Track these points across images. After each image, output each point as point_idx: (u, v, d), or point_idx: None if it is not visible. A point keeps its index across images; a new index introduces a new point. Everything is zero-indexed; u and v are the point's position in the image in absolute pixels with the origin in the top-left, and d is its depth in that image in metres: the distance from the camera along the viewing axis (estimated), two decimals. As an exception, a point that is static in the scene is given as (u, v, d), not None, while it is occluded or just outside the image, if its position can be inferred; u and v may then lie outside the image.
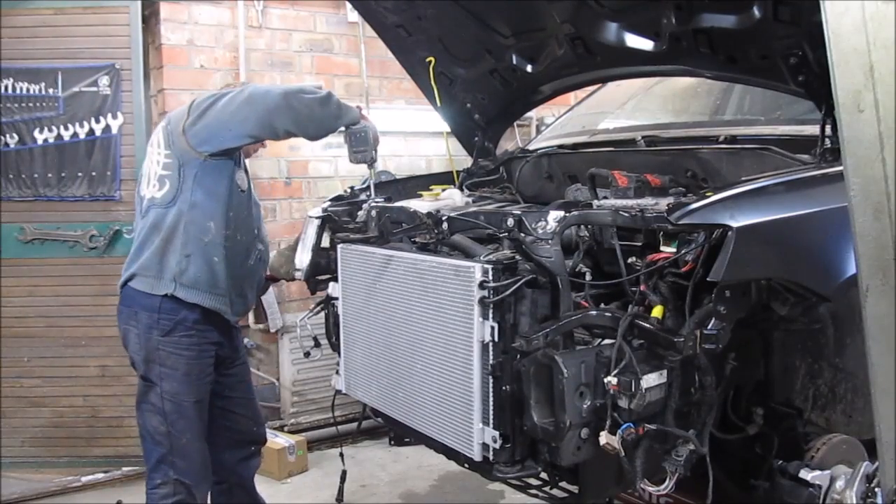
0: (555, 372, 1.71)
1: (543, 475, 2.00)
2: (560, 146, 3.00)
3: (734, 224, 1.64)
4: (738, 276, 1.67)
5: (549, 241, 1.85)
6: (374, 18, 2.84)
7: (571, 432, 1.73)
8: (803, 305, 1.83)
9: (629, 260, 1.85)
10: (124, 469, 3.87)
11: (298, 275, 2.65)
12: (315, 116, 2.45)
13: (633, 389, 1.67)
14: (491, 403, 1.85)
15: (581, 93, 3.47)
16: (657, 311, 1.74)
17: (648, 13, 2.29)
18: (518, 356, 1.81)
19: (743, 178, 1.99)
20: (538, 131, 4.38)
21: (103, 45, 3.80)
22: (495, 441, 1.84)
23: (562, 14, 2.45)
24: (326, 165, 4.53)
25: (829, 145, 2.05)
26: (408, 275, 2.11)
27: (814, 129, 2.14)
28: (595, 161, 2.47)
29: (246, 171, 2.70)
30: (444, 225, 2.18)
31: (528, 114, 3.69)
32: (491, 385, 1.85)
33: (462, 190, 2.94)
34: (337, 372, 2.54)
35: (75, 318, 3.86)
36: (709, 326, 1.67)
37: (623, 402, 1.69)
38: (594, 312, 1.84)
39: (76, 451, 3.92)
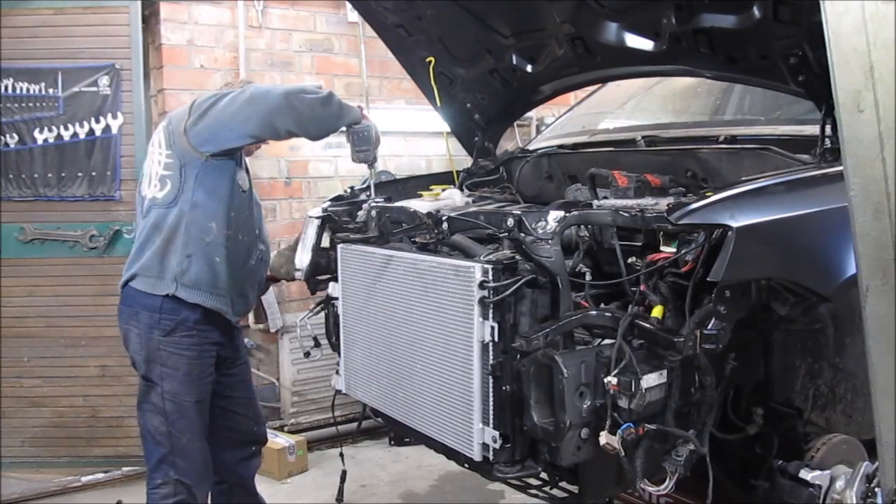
0: (555, 372, 1.71)
1: (543, 475, 2.00)
2: (560, 146, 3.00)
3: (734, 224, 1.64)
4: (738, 276, 1.67)
5: (549, 241, 1.85)
6: (374, 18, 2.84)
7: (571, 432, 1.73)
8: (803, 305, 1.83)
9: (629, 260, 1.85)
10: (124, 469, 3.87)
11: (298, 275, 2.65)
12: (316, 116, 2.45)
13: (633, 389, 1.67)
14: (491, 403, 1.86)
15: (581, 93, 3.47)
16: (657, 311, 1.74)
17: (648, 13, 2.29)
18: (518, 356, 1.81)
19: (743, 178, 1.99)
20: (538, 131, 4.38)
21: (103, 45, 3.80)
22: (495, 441, 1.84)
23: (562, 14, 2.45)
24: (326, 165, 4.53)
25: (829, 145, 2.05)
26: (408, 275, 2.11)
27: (814, 129, 2.14)
28: (595, 161, 2.47)
29: (247, 171, 2.70)
30: (444, 225, 2.18)
31: (528, 114, 3.69)
32: (491, 385, 1.85)
33: (462, 190, 2.94)
34: (337, 372, 2.54)
35: (75, 318, 3.86)
36: (709, 326, 1.67)
37: (623, 402, 1.69)
38: (594, 312, 1.84)
39: (76, 451, 3.92)
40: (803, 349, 2.08)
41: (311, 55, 4.45)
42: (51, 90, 3.77)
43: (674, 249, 1.74)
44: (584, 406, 1.72)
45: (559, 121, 3.61)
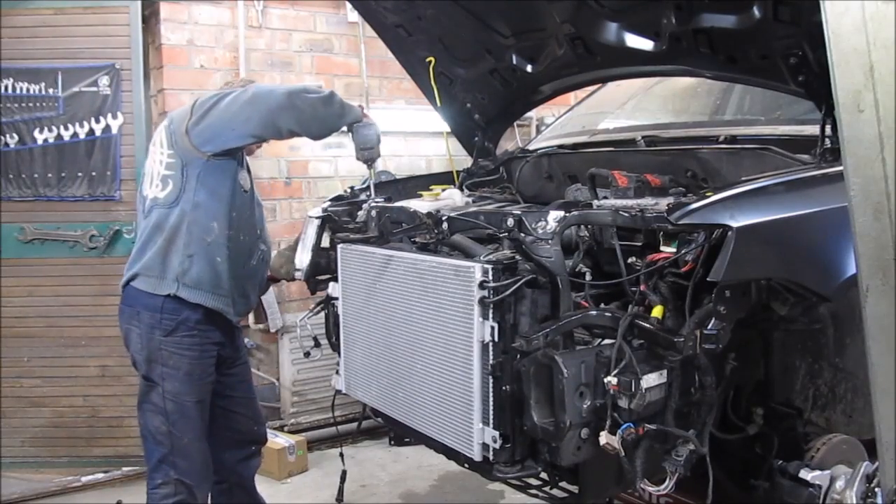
0: (555, 372, 1.71)
1: (543, 475, 2.00)
2: (560, 146, 3.00)
3: (734, 224, 1.64)
4: (738, 276, 1.67)
5: (549, 241, 1.85)
6: (374, 18, 2.84)
7: (571, 432, 1.73)
8: (803, 305, 1.84)
9: (629, 260, 1.85)
10: (124, 469, 3.87)
11: (298, 275, 2.65)
12: (318, 116, 2.46)
13: (633, 389, 1.67)
14: (491, 403, 1.86)
15: (581, 93, 3.47)
16: (657, 311, 1.74)
17: (648, 13, 2.29)
18: (518, 356, 1.81)
19: (743, 178, 1.99)
20: (538, 131, 4.38)
21: (103, 45, 3.80)
22: (495, 441, 1.84)
23: (562, 14, 2.45)
24: (326, 165, 4.53)
25: (829, 145, 2.05)
26: (408, 275, 2.11)
27: (814, 129, 2.14)
28: (595, 161, 2.47)
29: (248, 171, 2.70)
30: (444, 225, 2.18)
31: (528, 114, 3.69)
32: (491, 385, 1.85)
33: (462, 190, 2.94)
34: (337, 372, 2.55)
35: (75, 318, 3.86)
36: (709, 326, 1.67)
37: (623, 402, 1.69)
38: (594, 312, 1.84)
39: (76, 451, 3.92)
40: (803, 349, 2.09)
41: (311, 55, 4.45)
42: (51, 90, 3.77)
43: (674, 249, 1.74)
44: (584, 406, 1.72)
45: (559, 121, 3.61)
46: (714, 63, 2.31)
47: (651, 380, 1.70)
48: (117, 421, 3.87)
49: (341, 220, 2.63)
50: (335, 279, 2.50)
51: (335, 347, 2.59)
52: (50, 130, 3.80)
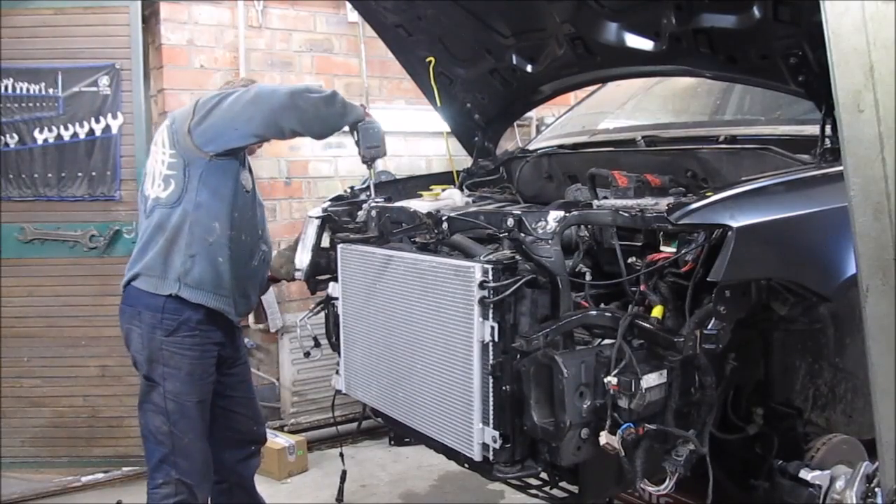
0: (555, 372, 1.71)
1: (543, 475, 2.00)
2: (560, 146, 3.00)
3: (734, 224, 1.64)
4: (738, 276, 1.67)
5: (549, 241, 1.85)
6: (374, 18, 2.84)
7: (571, 432, 1.73)
8: (803, 305, 1.84)
9: (629, 260, 1.85)
10: (124, 469, 3.87)
11: (298, 275, 2.65)
12: (321, 115, 2.45)
13: (633, 389, 1.67)
14: (491, 403, 1.86)
15: (581, 93, 3.47)
16: (657, 311, 1.74)
17: (648, 13, 2.29)
18: (518, 356, 1.81)
19: (743, 178, 1.99)
20: (538, 131, 4.38)
21: (103, 45, 3.80)
22: (495, 441, 1.84)
23: (562, 14, 2.45)
24: (326, 165, 4.53)
25: (829, 145, 2.06)
26: (408, 275, 2.11)
27: (814, 129, 2.14)
28: (595, 161, 2.47)
29: (250, 172, 2.70)
30: (444, 225, 2.18)
31: (528, 114, 3.69)
32: (491, 385, 1.85)
33: (462, 190, 2.94)
34: (337, 372, 2.55)
35: (75, 318, 3.86)
36: (709, 326, 1.67)
37: (623, 402, 1.69)
38: (594, 312, 1.84)
39: (76, 451, 3.92)
40: (803, 349, 2.08)
41: (311, 55, 4.45)
42: (51, 90, 3.77)
43: (674, 249, 1.74)
44: (584, 406, 1.72)
45: (559, 121, 3.61)
46: (714, 63, 2.31)
47: (651, 380, 1.71)
48: (117, 421, 3.87)
49: (341, 220, 2.63)
50: (335, 279, 2.50)
51: (335, 347, 2.59)
52: (50, 130, 3.80)
